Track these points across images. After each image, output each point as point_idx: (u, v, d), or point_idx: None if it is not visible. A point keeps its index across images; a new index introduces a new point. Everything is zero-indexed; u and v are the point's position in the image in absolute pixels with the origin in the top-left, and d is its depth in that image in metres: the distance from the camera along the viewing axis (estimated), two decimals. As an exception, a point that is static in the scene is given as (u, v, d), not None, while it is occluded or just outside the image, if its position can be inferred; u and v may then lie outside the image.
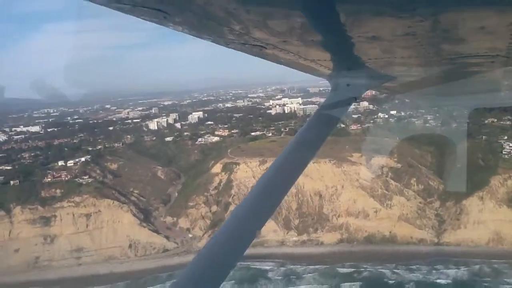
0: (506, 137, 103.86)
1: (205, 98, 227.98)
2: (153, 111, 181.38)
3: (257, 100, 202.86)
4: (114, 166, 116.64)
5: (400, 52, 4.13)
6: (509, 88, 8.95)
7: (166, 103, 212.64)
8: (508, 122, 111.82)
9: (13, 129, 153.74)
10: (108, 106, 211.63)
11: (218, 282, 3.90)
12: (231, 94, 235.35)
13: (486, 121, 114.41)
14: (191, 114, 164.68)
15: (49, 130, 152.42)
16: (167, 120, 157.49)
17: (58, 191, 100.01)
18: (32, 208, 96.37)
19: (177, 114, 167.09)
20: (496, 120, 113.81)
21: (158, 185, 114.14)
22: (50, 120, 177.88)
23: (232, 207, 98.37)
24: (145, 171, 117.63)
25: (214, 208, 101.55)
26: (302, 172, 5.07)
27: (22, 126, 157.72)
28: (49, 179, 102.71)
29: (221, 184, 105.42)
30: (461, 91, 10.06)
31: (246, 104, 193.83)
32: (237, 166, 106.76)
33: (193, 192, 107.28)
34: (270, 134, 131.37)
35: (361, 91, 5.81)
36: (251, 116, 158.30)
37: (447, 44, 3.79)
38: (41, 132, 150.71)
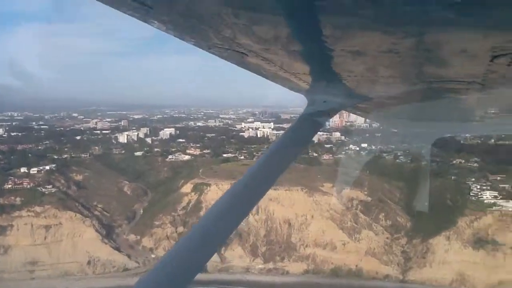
0: (473, 179, 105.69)
1: (176, 115, 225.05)
2: (123, 124, 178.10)
3: (229, 121, 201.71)
4: (79, 177, 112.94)
5: (380, 71, 4.10)
6: (483, 117, 9.18)
7: (136, 116, 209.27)
8: (475, 164, 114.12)
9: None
10: (75, 114, 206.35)
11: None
12: (202, 113, 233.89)
13: (454, 162, 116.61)
14: (163, 130, 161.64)
15: (12, 134, 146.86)
16: (137, 134, 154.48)
17: (18, 199, 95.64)
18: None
19: (148, 128, 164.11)
20: (464, 161, 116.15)
21: (123, 200, 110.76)
22: (14, 123, 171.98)
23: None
24: (111, 185, 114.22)
25: (181, 229, 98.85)
26: (273, 185, 5.10)
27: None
28: (9, 186, 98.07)
29: (190, 204, 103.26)
30: (434, 117, 10.13)
31: (217, 124, 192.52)
32: (208, 188, 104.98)
33: (160, 210, 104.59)
34: (242, 157, 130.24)
35: (337, 109, 5.91)
36: (224, 137, 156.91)
37: (426, 66, 3.73)
38: (4, 135, 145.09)
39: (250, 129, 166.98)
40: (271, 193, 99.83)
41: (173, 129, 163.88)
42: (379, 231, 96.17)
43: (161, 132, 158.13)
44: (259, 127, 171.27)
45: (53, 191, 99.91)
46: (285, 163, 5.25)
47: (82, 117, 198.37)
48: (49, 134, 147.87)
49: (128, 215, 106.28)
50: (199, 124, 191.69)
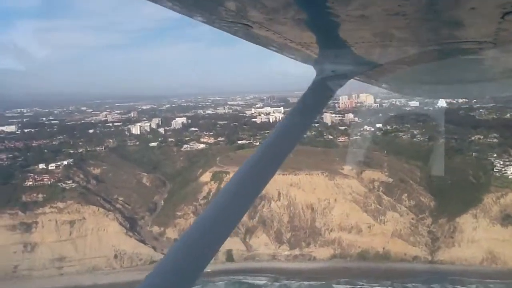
0: (495, 155, 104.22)
1: (185, 104, 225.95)
2: (132, 115, 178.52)
3: (238, 108, 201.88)
4: (97, 171, 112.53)
5: (388, 35, 3.99)
6: (495, 78, 9.01)
7: (144, 107, 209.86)
8: (495, 140, 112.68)
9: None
10: (84, 108, 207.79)
11: (196, 274, 3.69)
12: (210, 100, 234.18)
13: (473, 138, 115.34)
14: (175, 119, 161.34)
15: (25, 130, 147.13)
16: (150, 125, 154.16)
17: (40, 195, 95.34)
18: (12, 213, 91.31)
19: (159, 119, 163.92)
20: (482, 137, 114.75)
21: (143, 192, 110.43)
22: (25, 120, 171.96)
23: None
24: (130, 177, 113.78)
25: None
26: (286, 158, 5.05)
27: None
28: (30, 183, 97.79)
29: (211, 193, 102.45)
30: (446, 80, 10.08)
31: (227, 111, 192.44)
32: (227, 175, 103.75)
33: (181, 201, 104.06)
34: (257, 143, 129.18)
35: (346, 78, 5.79)
36: (236, 123, 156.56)
37: (436, 27, 3.66)
38: (17, 132, 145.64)
39: (262, 115, 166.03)
40: (291, 178, 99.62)
41: (184, 118, 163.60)
42: (404, 212, 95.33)
43: (173, 122, 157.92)
44: (270, 112, 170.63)
45: (73, 186, 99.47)
46: (297, 135, 5.25)
47: (90, 110, 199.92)
48: (62, 129, 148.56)
49: (150, 206, 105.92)
50: (209, 112, 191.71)
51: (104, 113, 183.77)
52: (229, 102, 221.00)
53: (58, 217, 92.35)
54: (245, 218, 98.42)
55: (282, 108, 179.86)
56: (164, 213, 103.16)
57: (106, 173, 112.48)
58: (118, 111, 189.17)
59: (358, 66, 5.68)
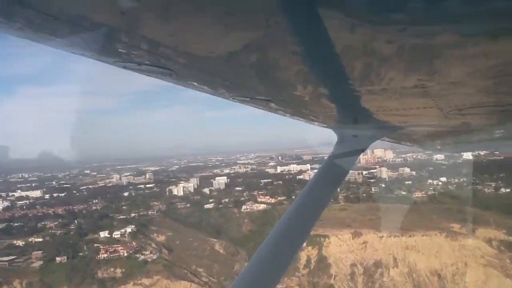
0: None
1: (194, 164, 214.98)
2: (148, 176, 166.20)
3: (253, 166, 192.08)
4: (162, 238, 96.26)
5: (409, 104, 4.04)
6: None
7: (152, 168, 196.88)
8: None
9: (11, 193, 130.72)
10: (87, 171, 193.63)
11: None
12: (213, 160, 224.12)
13: None
14: (214, 179, 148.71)
15: (54, 195, 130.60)
16: (193, 186, 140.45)
17: (118, 270, 77.83)
18: (91, 293, 73.55)
19: (197, 179, 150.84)
20: None
21: (220, 261, 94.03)
22: (33, 185, 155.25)
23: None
24: (200, 244, 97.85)
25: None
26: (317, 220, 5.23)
27: (19, 191, 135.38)
28: (104, 255, 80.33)
29: (312, 261, 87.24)
30: (470, 142, 10.02)
31: (243, 170, 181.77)
32: (327, 239, 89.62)
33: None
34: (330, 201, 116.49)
35: (368, 142, 5.84)
36: (280, 182, 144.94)
37: (458, 96, 3.67)
38: (45, 197, 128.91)
39: (310, 172, 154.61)
40: (405, 240, 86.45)
41: (225, 177, 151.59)
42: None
43: (213, 182, 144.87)
44: (305, 170, 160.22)
45: (154, 258, 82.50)
46: (324, 200, 5.43)
47: (95, 173, 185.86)
48: (92, 193, 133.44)
49: (235, 279, 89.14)
50: (227, 171, 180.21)
51: (116, 175, 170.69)
52: (238, 162, 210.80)
53: (146, 296, 74.85)
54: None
55: (308, 165, 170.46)
56: None
57: (173, 240, 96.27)
58: (128, 173, 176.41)
59: (379, 131, 5.59)
